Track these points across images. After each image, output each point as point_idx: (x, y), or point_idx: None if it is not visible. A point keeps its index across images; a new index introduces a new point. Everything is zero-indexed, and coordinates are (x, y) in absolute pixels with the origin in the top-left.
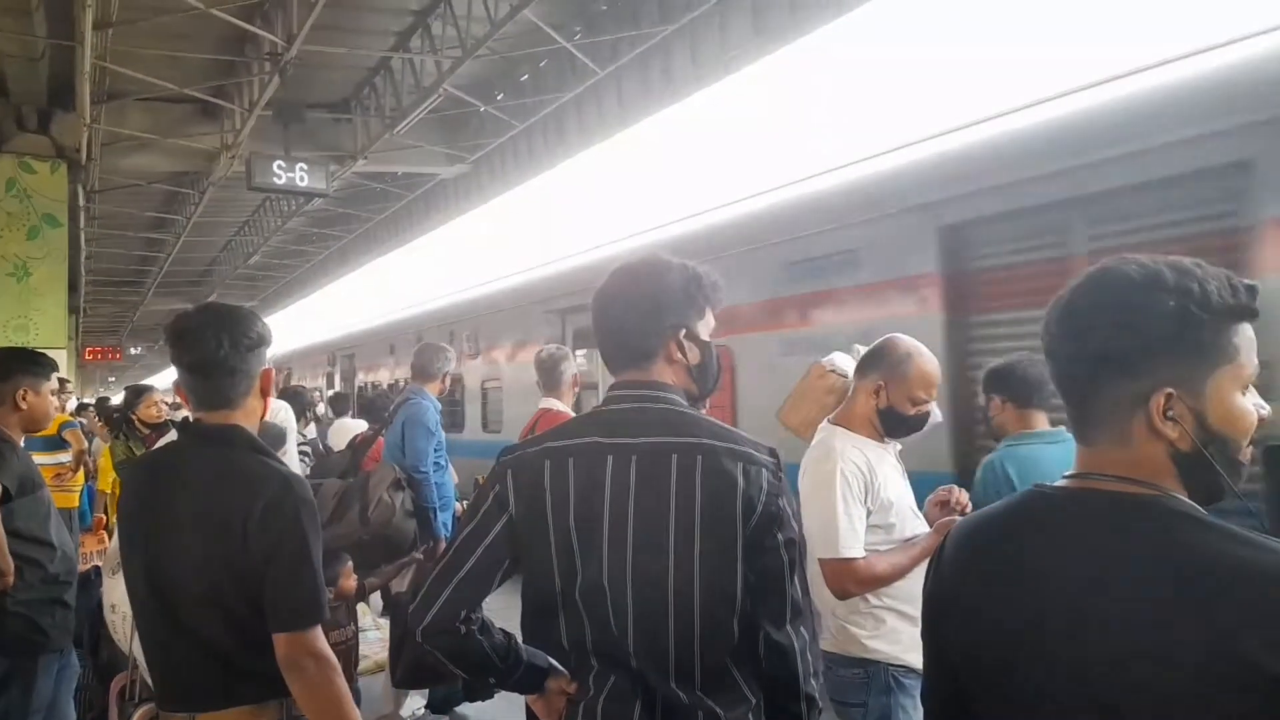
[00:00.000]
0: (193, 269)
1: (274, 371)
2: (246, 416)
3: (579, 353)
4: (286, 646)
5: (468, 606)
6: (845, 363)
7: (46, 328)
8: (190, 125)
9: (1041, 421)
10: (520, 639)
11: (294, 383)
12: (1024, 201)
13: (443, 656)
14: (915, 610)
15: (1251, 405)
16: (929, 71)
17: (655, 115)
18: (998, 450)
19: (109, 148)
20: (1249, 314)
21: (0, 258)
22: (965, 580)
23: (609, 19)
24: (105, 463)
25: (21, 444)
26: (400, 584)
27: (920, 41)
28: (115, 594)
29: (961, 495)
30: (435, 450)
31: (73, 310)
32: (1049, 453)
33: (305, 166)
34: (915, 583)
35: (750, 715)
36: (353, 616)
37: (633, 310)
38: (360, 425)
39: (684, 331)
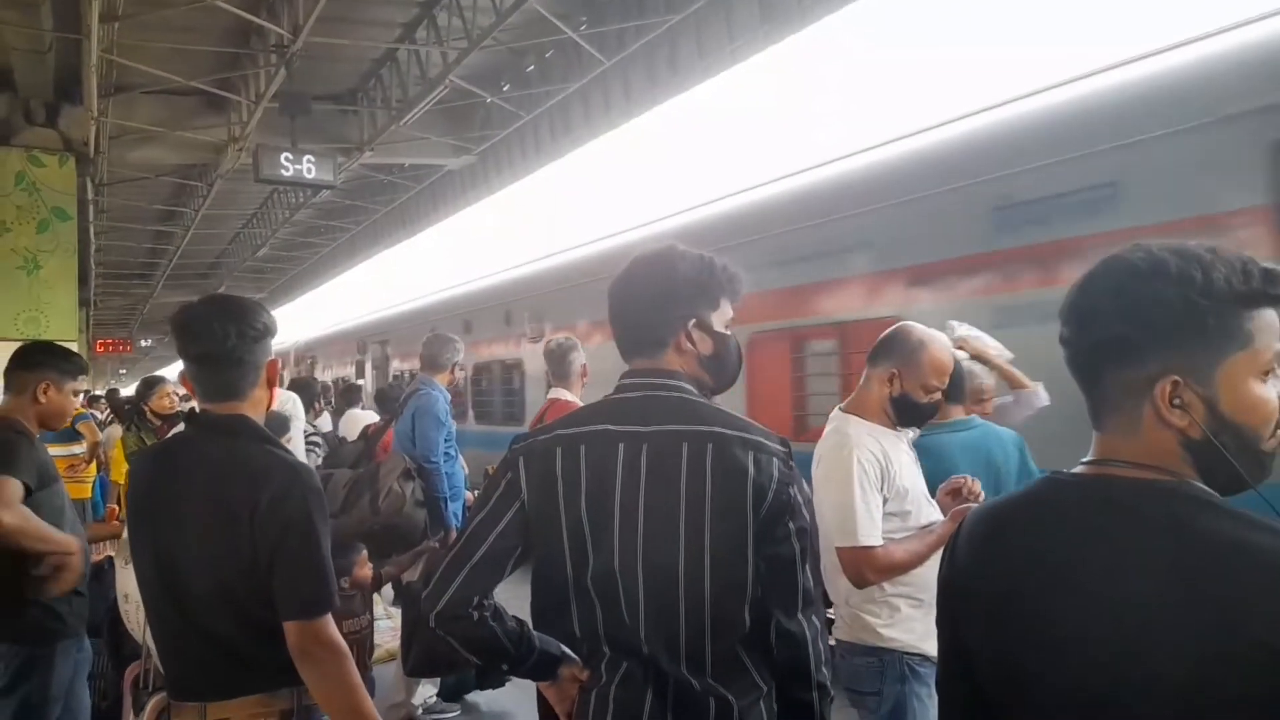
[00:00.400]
0: (201, 262)
1: (279, 362)
2: (253, 407)
3: None
4: (297, 635)
5: (480, 593)
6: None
7: (57, 321)
8: (197, 118)
9: (957, 413)
10: (531, 626)
11: (318, 373)
12: None
13: (456, 642)
14: (929, 598)
15: (1273, 393)
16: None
17: (662, 105)
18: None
19: (117, 141)
20: (1267, 300)
21: (10, 251)
22: (979, 567)
23: (615, 8)
24: (117, 454)
25: (38, 436)
26: (412, 574)
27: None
28: (128, 584)
29: (975, 484)
30: (445, 440)
31: (83, 303)
32: (955, 439)
33: (312, 159)
34: (930, 571)
35: (761, 703)
36: (368, 605)
37: (643, 299)
38: (371, 416)
39: (694, 321)
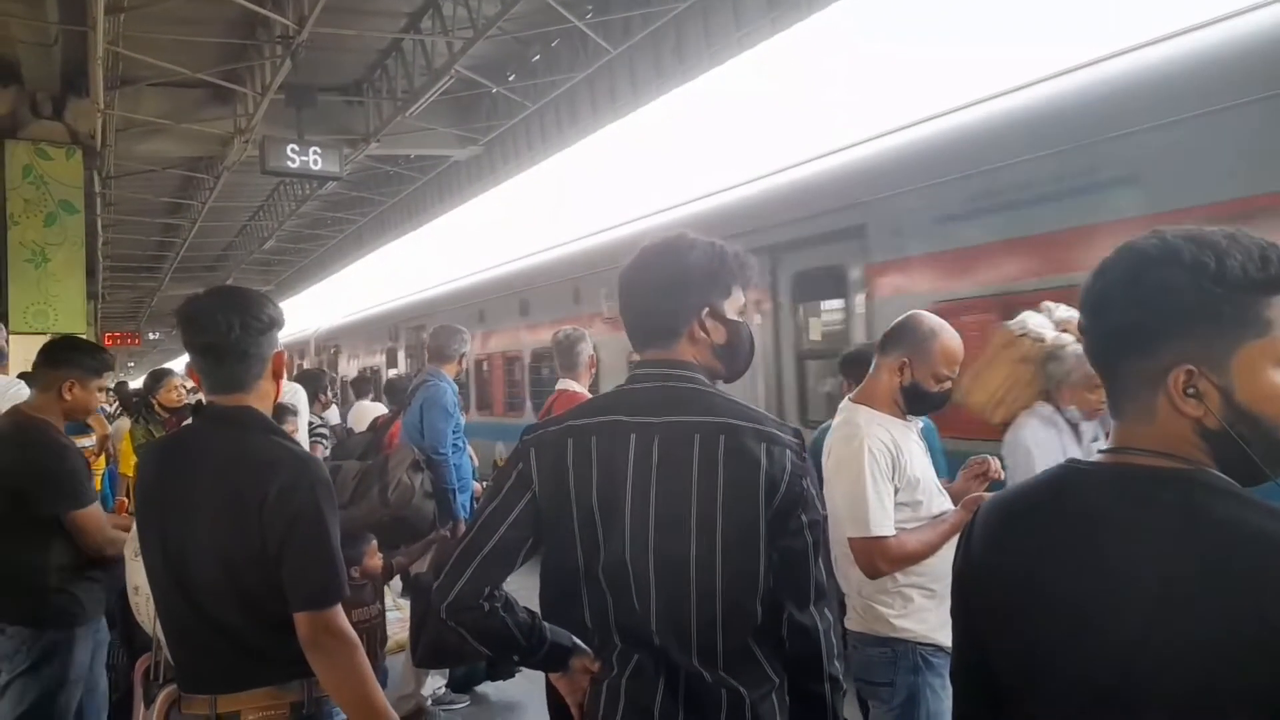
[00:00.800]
0: (209, 254)
1: (285, 355)
2: (259, 399)
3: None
4: (307, 626)
5: (491, 584)
6: (1040, 325)
7: (65, 314)
8: (203, 110)
9: None
10: (540, 617)
11: (342, 364)
12: None
13: (467, 634)
14: (942, 588)
15: None
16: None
17: (669, 94)
18: (825, 425)
19: (123, 133)
20: None
21: (19, 244)
22: (996, 555)
23: None
24: (126, 446)
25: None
26: (420, 565)
27: None
28: (138, 576)
29: (995, 463)
30: (454, 432)
31: (91, 296)
32: None
33: (319, 150)
34: (942, 561)
35: (773, 695)
36: (379, 595)
37: (656, 289)
38: (381, 408)
39: (707, 310)
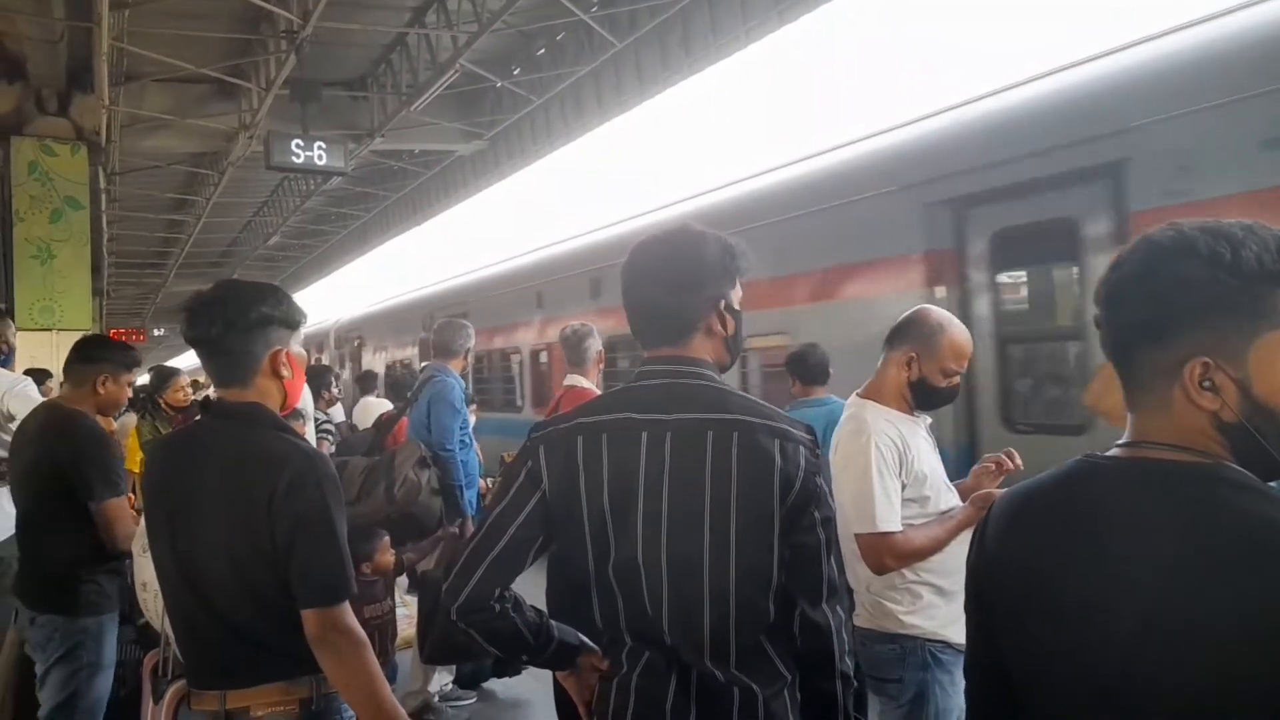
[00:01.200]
0: (213, 250)
1: (283, 351)
2: (261, 395)
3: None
4: (315, 623)
5: (502, 584)
6: None
7: (71, 310)
8: (208, 105)
9: (820, 392)
10: (548, 615)
11: (366, 357)
12: None
13: (477, 635)
14: (951, 585)
15: None
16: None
17: (675, 87)
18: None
19: (128, 129)
20: None
21: (24, 241)
22: (1011, 550)
23: None
24: (132, 442)
25: None
26: (427, 562)
27: None
28: (146, 572)
29: (1016, 458)
30: (460, 428)
31: (96, 292)
32: (809, 414)
33: (323, 145)
34: (951, 557)
35: (785, 693)
36: (390, 591)
37: (673, 283)
38: (386, 404)
39: (724, 303)
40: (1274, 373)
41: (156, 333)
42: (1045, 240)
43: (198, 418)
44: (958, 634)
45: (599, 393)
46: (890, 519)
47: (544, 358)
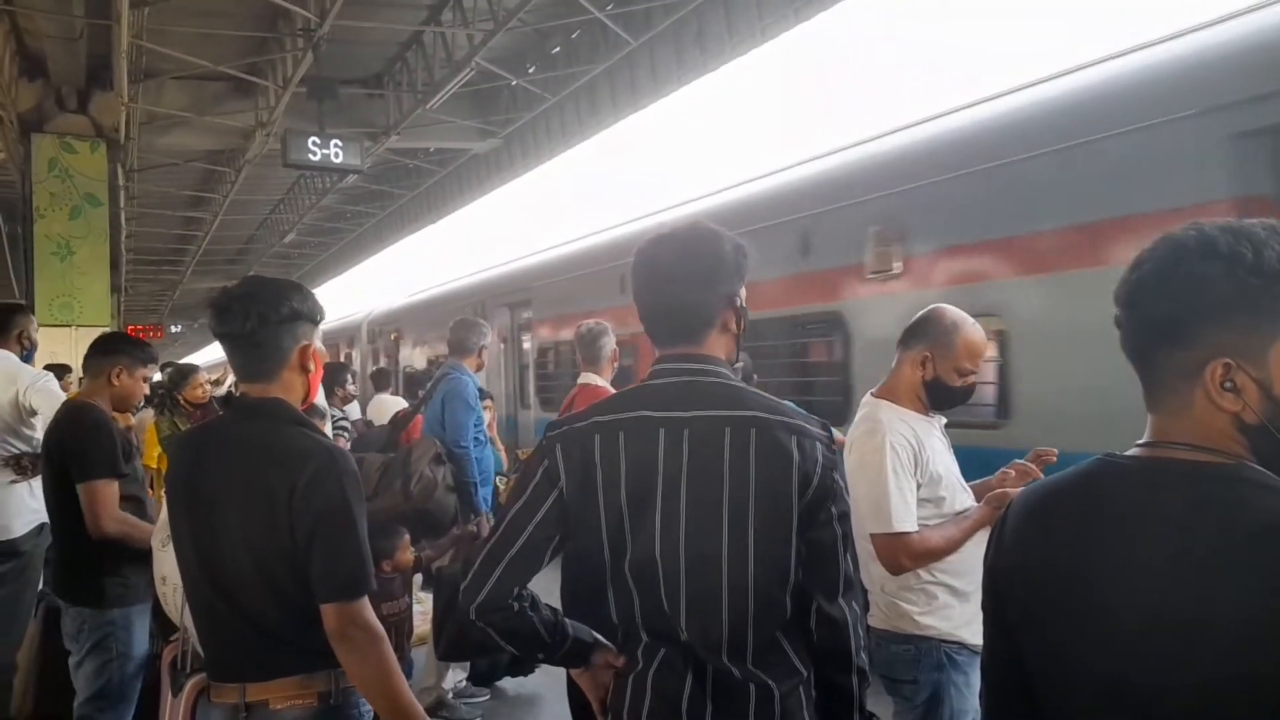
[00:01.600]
0: (230, 247)
1: (311, 346)
2: (285, 389)
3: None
4: (334, 617)
5: (519, 583)
6: None
7: (90, 306)
8: (225, 103)
9: None
10: (563, 612)
11: (404, 353)
12: None
13: (495, 633)
14: (966, 586)
15: None
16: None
17: (689, 85)
18: None
19: (146, 127)
20: None
21: (44, 237)
22: (1028, 549)
23: None
24: (150, 437)
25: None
26: (444, 559)
27: None
28: (165, 566)
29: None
30: (475, 425)
31: (114, 289)
32: None
33: (340, 143)
34: (967, 558)
35: (801, 689)
36: (408, 588)
37: (692, 281)
38: (401, 402)
39: (738, 300)
40: None
41: (173, 329)
42: None
43: (220, 413)
44: (973, 635)
45: (613, 391)
46: (906, 519)
47: (626, 356)
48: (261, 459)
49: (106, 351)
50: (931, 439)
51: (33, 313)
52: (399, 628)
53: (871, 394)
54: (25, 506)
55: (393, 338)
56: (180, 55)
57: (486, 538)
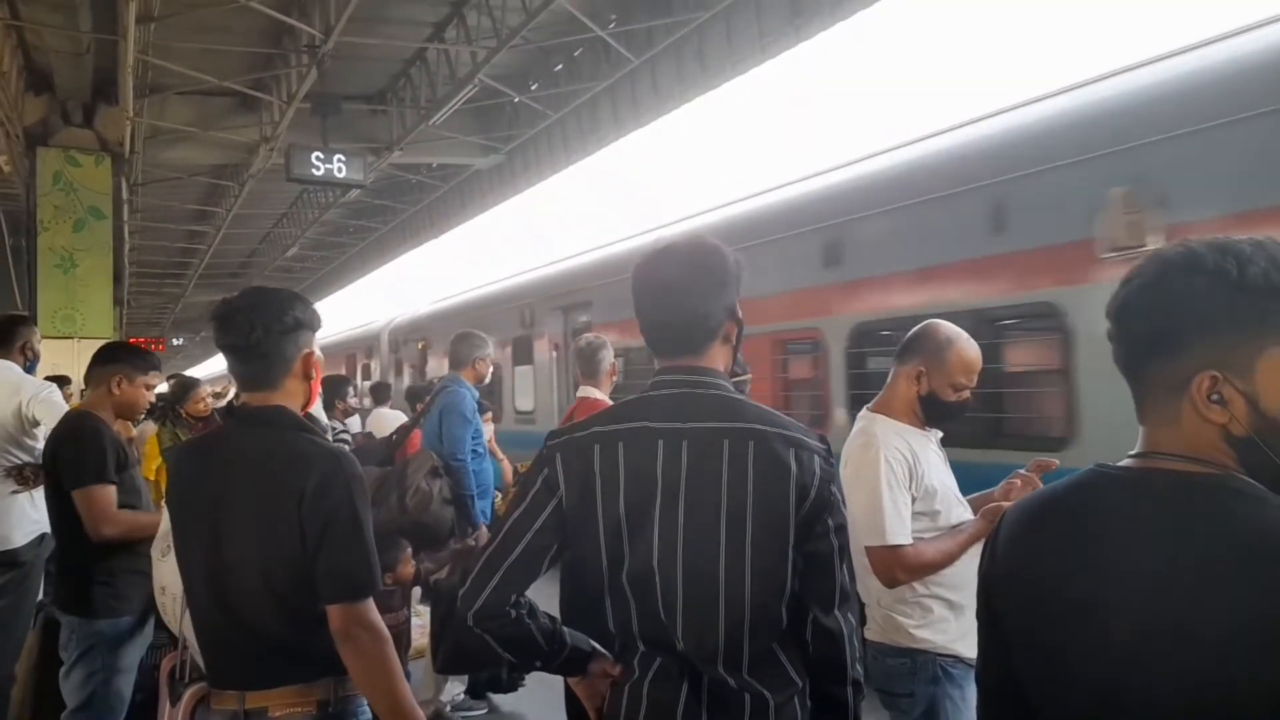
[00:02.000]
0: (233, 261)
1: (312, 354)
2: (287, 398)
3: None
4: (340, 618)
5: (517, 591)
6: None
7: (92, 319)
8: (229, 118)
9: None
10: (560, 622)
11: (431, 363)
12: None
13: (493, 641)
14: (962, 599)
15: None
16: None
17: (691, 102)
18: None
19: (151, 141)
20: None
21: (48, 250)
22: (1022, 559)
23: (643, 6)
24: (151, 449)
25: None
26: (442, 572)
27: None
28: (165, 576)
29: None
30: (473, 438)
31: (117, 302)
32: None
33: (343, 158)
34: (962, 571)
35: (796, 699)
36: (407, 601)
37: (698, 294)
38: (401, 416)
39: (738, 311)
40: None
41: (175, 342)
42: None
43: (222, 423)
44: (968, 648)
45: (610, 404)
46: (900, 532)
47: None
48: (269, 466)
49: (106, 361)
50: (927, 453)
51: (35, 324)
52: (397, 640)
53: (868, 408)
54: (26, 517)
55: (420, 347)
56: (185, 70)
57: (485, 545)
